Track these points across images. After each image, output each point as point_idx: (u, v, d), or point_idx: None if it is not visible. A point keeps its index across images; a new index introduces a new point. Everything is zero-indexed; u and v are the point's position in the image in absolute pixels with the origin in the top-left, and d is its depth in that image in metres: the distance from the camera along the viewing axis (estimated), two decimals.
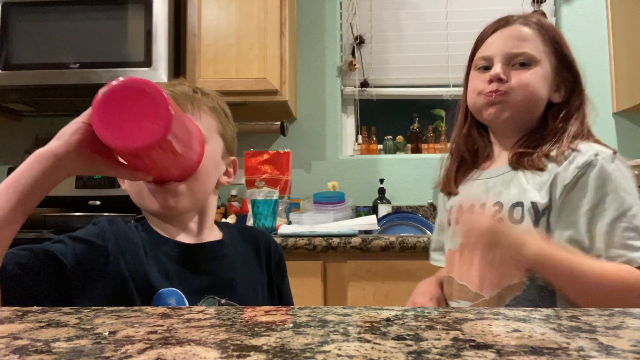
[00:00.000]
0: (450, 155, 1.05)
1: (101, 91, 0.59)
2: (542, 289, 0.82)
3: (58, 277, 0.64)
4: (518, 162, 0.89)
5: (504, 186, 0.90)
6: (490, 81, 0.90)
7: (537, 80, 0.89)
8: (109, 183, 1.91)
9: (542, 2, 2.21)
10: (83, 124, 0.60)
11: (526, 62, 0.90)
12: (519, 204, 0.86)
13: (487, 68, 0.93)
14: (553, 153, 0.86)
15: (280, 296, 0.89)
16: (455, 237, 0.97)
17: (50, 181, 0.60)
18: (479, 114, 0.95)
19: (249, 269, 0.84)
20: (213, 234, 0.83)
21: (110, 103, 0.58)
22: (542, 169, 0.86)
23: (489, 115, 0.92)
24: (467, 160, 1.01)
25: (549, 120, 0.92)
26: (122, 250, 0.71)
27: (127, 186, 0.77)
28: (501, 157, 0.95)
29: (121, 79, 0.59)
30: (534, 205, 0.84)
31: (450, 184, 1.02)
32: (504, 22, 0.95)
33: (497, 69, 0.90)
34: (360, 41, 2.25)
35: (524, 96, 0.89)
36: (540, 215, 0.84)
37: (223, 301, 0.75)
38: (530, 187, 0.86)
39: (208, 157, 0.75)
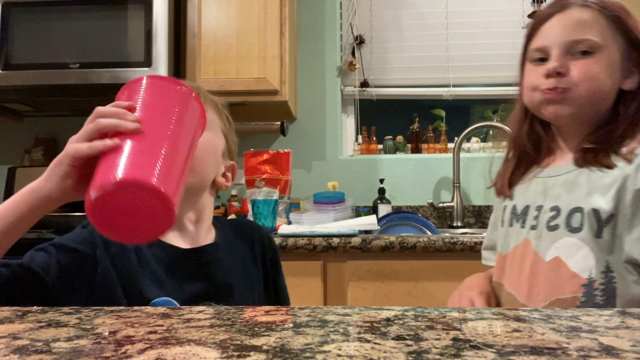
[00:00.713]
0: (507, 154, 0.95)
1: (94, 192, 0.51)
2: (600, 307, 0.72)
3: (40, 293, 0.63)
4: (584, 160, 0.80)
5: (564, 188, 0.81)
6: (548, 76, 0.81)
7: (602, 70, 0.79)
8: None
9: (542, 2, 2.21)
10: (70, 167, 0.56)
11: (588, 50, 0.79)
12: (579, 209, 0.76)
13: (543, 60, 0.83)
14: (624, 150, 0.76)
15: (276, 291, 0.88)
16: (507, 240, 0.89)
17: (38, 217, 0.60)
18: (537, 112, 0.85)
19: (244, 269, 0.83)
20: (209, 236, 0.82)
21: (104, 207, 0.52)
22: (610, 167, 0.76)
23: (549, 114, 0.83)
24: (529, 156, 0.91)
25: (620, 111, 0.81)
26: (112, 257, 0.69)
27: None
28: (565, 153, 0.86)
29: (118, 176, 0.50)
30: (595, 212, 0.75)
31: (504, 188, 0.92)
32: (559, 7, 0.83)
33: (555, 62, 0.80)
34: (360, 41, 2.25)
35: (587, 90, 0.79)
36: (604, 224, 0.74)
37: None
38: (594, 191, 0.76)
39: (208, 142, 0.75)
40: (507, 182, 0.91)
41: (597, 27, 0.80)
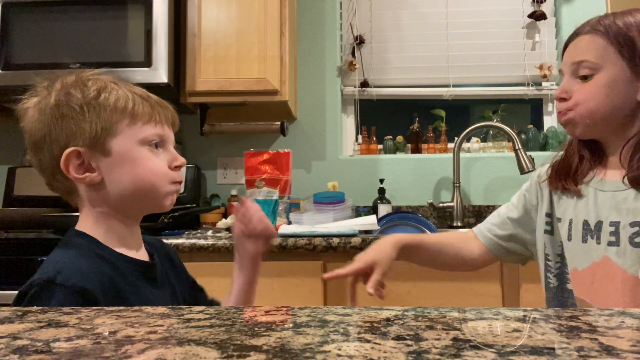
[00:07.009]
0: (568, 149, 0.95)
1: None
2: None
3: None
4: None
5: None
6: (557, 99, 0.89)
7: (597, 91, 0.83)
8: None
9: (542, 2, 2.21)
10: None
11: (587, 74, 0.84)
12: None
13: None
14: None
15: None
16: (586, 255, 0.87)
17: None
18: None
19: (174, 271, 0.88)
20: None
21: None
22: None
23: (568, 133, 0.90)
24: (588, 160, 0.91)
25: None
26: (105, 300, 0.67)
27: (150, 175, 0.74)
28: (613, 166, 0.88)
29: None
30: None
31: (568, 178, 0.91)
32: (573, 34, 0.90)
33: (560, 87, 0.88)
34: (360, 41, 2.25)
35: (585, 112, 0.84)
36: None
37: None
38: None
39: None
40: (572, 176, 0.91)
41: (597, 48, 0.84)
